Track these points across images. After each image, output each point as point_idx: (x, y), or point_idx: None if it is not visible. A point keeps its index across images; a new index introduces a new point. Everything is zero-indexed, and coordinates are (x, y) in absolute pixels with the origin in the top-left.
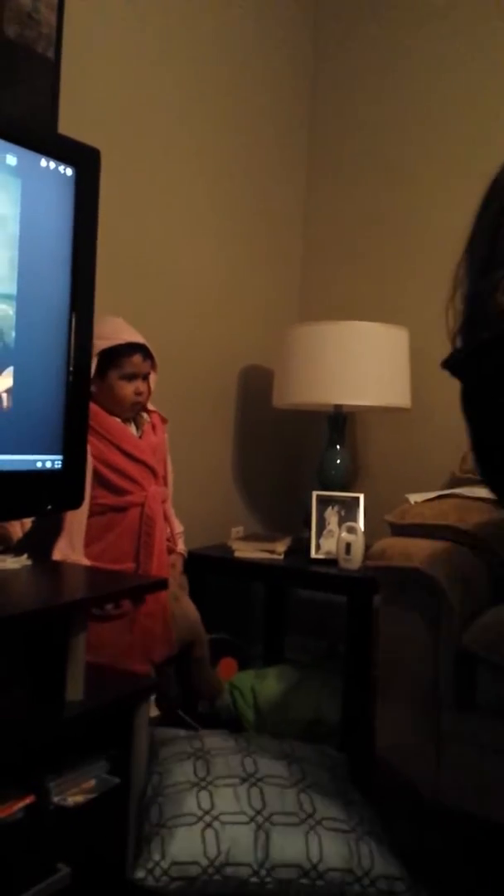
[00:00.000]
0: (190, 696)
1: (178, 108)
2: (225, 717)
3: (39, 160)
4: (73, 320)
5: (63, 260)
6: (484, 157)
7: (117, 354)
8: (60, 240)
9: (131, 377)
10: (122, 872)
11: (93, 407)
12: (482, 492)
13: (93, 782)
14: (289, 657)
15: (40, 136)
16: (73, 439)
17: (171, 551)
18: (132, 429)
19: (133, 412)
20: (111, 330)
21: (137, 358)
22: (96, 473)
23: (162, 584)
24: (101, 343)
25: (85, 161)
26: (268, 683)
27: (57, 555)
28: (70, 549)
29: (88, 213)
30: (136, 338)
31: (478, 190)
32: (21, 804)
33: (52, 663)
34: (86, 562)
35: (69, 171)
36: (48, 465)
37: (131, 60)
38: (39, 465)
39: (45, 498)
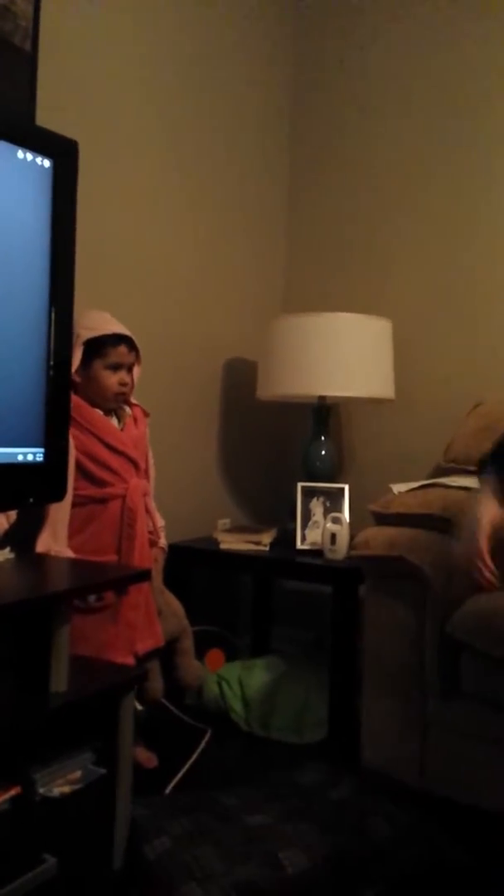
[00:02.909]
0: (175, 687)
1: (158, 99)
2: (213, 709)
3: (16, 152)
4: (53, 313)
5: (41, 253)
6: (466, 150)
7: (102, 344)
8: (38, 233)
9: (116, 367)
10: (108, 863)
11: (75, 399)
12: (465, 481)
13: (79, 773)
14: (276, 648)
15: (17, 128)
16: (54, 432)
17: (153, 544)
18: (114, 421)
19: (116, 403)
20: (97, 321)
21: (123, 348)
22: (78, 465)
23: (145, 576)
24: (86, 333)
25: (63, 153)
26: (255, 674)
27: (40, 546)
28: (53, 540)
29: (67, 205)
30: (122, 329)
31: (460, 183)
32: (7, 795)
33: (36, 655)
34: (69, 553)
35: (47, 163)
36: (30, 457)
37: (109, 52)
38: (21, 457)
39: (27, 491)
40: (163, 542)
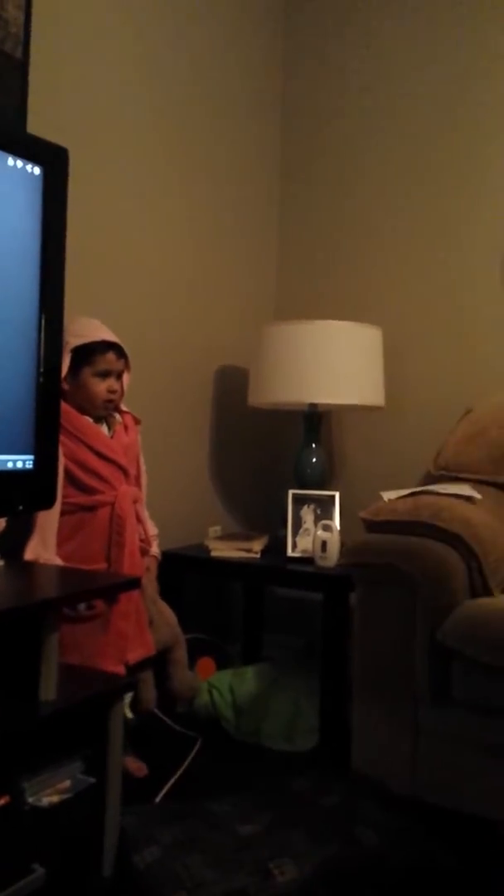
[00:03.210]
0: (167, 697)
1: (149, 106)
2: (203, 717)
3: (6, 159)
4: (43, 320)
5: (31, 260)
6: (456, 158)
7: (91, 352)
8: (28, 240)
9: (104, 375)
10: (97, 872)
11: (64, 406)
12: (455, 488)
13: (68, 782)
14: (267, 656)
15: (7, 135)
16: (44, 439)
17: (144, 553)
18: (104, 428)
19: (106, 411)
20: (86, 328)
21: (111, 356)
22: (67, 472)
23: (134, 584)
24: (74, 340)
25: (53, 160)
26: (246, 682)
27: (29, 554)
28: (42, 548)
29: (57, 212)
30: (111, 337)
31: (450, 191)
32: None
33: (24, 663)
34: (58, 561)
35: (37, 171)
36: (19, 465)
37: (100, 58)
38: (10, 465)
39: (17, 498)
40: (155, 550)
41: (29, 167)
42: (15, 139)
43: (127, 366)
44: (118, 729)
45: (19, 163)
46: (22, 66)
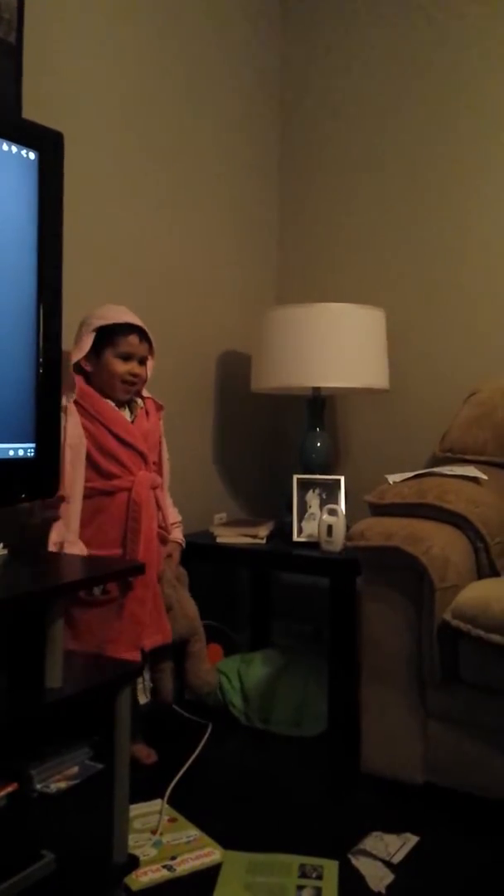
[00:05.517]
0: (181, 687)
1: (146, 89)
2: (212, 703)
3: (1, 144)
4: (41, 307)
5: (28, 246)
6: (459, 137)
7: (113, 333)
8: (25, 226)
9: (127, 357)
10: (107, 858)
11: (87, 388)
12: (461, 469)
13: (76, 769)
14: (275, 641)
15: (2, 120)
16: (45, 427)
17: (165, 540)
18: (126, 413)
19: (126, 394)
20: (111, 312)
21: (133, 338)
22: (87, 456)
23: (139, 569)
24: (98, 321)
25: (48, 145)
26: (254, 668)
27: (54, 536)
28: (66, 530)
29: (53, 198)
30: (135, 320)
31: (453, 170)
32: (4, 792)
33: (30, 651)
34: (80, 544)
35: (32, 156)
36: (21, 453)
37: (95, 43)
38: (12, 453)
39: (19, 486)
40: (177, 536)
41: (24, 152)
42: (10, 124)
43: (151, 351)
44: (126, 715)
45: (14, 148)
46: (16, 51)
